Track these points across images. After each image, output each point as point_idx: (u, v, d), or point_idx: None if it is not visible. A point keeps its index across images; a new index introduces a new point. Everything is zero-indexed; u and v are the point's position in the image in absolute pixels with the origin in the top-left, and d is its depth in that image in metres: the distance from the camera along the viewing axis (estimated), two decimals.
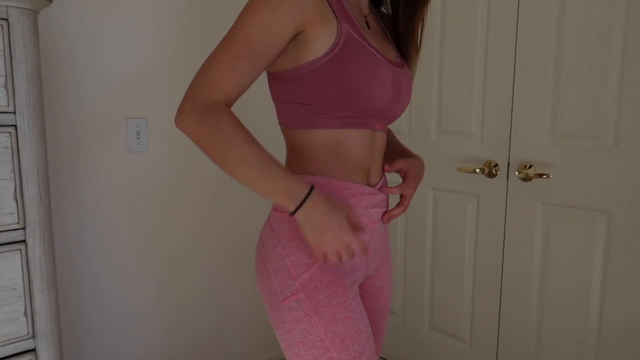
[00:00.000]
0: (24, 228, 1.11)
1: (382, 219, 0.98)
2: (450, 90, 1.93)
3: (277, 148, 1.85)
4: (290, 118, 0.91)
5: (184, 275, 1.92)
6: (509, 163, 1.77)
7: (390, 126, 2.14)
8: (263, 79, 1.03)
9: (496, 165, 1.80)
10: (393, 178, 2.08)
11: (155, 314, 1.85)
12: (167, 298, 1.88)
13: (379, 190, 0.98)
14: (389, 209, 1.04)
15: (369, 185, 0.97)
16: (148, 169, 1.78)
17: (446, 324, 2.04)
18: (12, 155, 1.07)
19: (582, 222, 1.62)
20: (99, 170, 1.66)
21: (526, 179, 1.71)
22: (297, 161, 0.93)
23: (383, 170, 1.02)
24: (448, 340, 2.04)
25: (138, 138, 1.75)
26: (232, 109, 1.14)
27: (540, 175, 1.65)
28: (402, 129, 2.12)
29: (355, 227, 0.84)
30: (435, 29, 1.96)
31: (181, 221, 1.89)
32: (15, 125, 1.07)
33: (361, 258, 0.94)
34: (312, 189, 0.81)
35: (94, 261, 1.68)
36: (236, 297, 2.11)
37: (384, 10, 1.10)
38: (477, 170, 1.81)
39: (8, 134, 1.06)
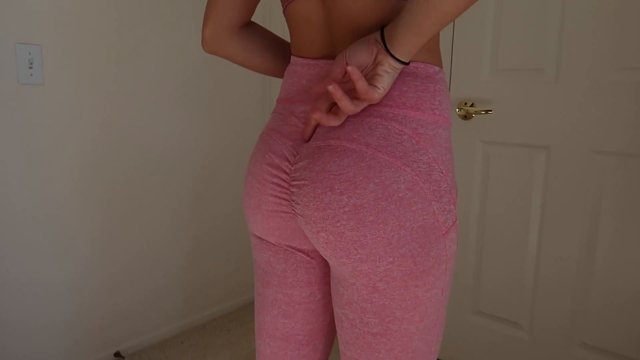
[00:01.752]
0: None
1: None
2: None
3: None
4: None
5: (74, 227, 1.70)
6: None
7: None
8: None
9: None
10: None
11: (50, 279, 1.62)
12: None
13: None
14: None
15: None
16: (43, 104, 1.52)
17: None
18: None
19: (521, 159, 1.56)
20: None
21: (466, 116, 1.63)
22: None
23: None
24: None
25: (31, 68, 1.49)
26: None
27: (479, 112, 1.57)
28: None
29: None
30: None
31: (80, 164, 1.65)
32: None
33: None
34: None
35: None
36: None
37: None
38: None
39: None
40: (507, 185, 1.60)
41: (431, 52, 0.67)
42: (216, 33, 0.80)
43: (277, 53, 0.86)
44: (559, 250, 1.52)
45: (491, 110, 1.56)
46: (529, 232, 1.58)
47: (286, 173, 0.67)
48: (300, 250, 0.76)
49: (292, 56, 0.75)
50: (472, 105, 1.62)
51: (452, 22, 1.64)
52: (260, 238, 0.78)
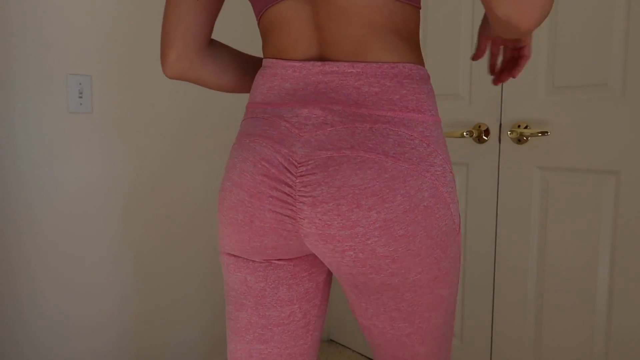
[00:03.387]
0: None
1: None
2: (434, 49, 1.70)
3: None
4: None
5: (112, 265, 1.71)
6: (500, 124, 1.53)
7: None
8: None
9: (486, 128, 1.56)
10: None
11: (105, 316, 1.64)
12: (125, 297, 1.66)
13: None
14: None
15: None
16: (93, 132, 1.59)
17: None
18: None
19: (586, 187, 1.37)
20: (37, 131, 1.47)
21: (520, 140, 1.47)
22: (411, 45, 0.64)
23: None
24: None
25: (80, 97, 1.56)
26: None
27: (537, 134, 1.41)
28: None
29: None
30: None
31: (124, 193, 1.68)
32: None
33: None
34: None
35: (28, 249, 1.48)
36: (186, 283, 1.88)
37: None
38: (465, 134, 1.57)
39: None
40: (571, 218, 1.40)
41: (418, 52, 0.64)
42: (184, 54, 0.72)
43: (247, 67, 0.81)
44: (635, 297, 1.29)
45: (548, 132, 1.40)
46: (598, 276, 1.35)
47: (289, 186, 0.60)
48: (288, 260, 0.69)
49: (267, 59, 0.68)
50: (526, 127, 1.46)
51: None
52: (236, 256, 0.70)
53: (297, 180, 0.59)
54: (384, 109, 0.59)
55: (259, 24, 0.70)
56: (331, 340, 2.23)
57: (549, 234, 1.44)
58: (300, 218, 0.60)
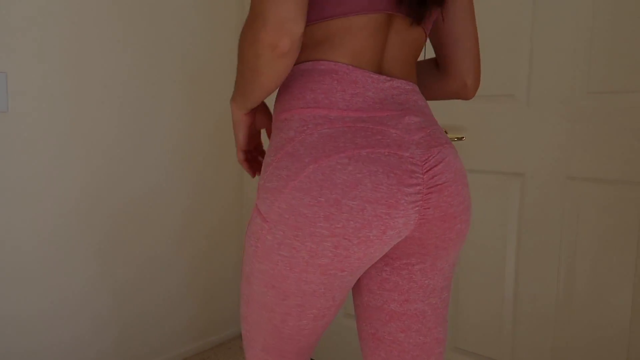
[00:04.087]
0: None
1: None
2: None
3: None
4: None
5: (62, 260, 1.64)
6: None
7: None
8: None
9: None
10: None
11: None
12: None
13: None
14: None
15: None
16: (9, 132, 1.50)
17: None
18: None
19: (496, 187, 1.51)
20: None
21: None
22: None
23: None
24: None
25: None
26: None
27: (454, 139, 1.53)
28: None
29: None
30: None
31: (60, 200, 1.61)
32: None
33: None
34: None
35: None
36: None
37: None
38: None
39: None
40: (482, 214, 1.54)
41: None
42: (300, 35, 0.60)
43: None
44: (537, 283, 1.45)
45: (464, 137, 1.52)
46: (506, 265, 1.51)
47: (419, 185, 0.66)
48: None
49: (339, 63, 0.66)
50: (446, 132, 1.58)
51: (425, 47, 1.63)
52: (349, 275, 0.69)
53: (425, 176, 0.66)
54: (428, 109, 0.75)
55: (329, 18, 0.66)
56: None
57: None
58: (426, 208, 0.67)
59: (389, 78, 0.69)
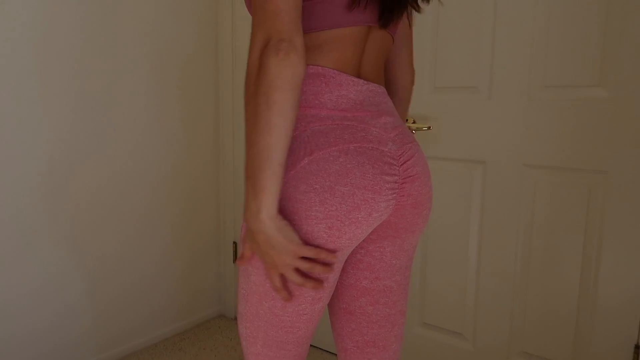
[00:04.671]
0: None
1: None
2: None
3: None
4: None
5: (32, 241, 1.67)
6: None
7: None
8: None
9: None
10: None
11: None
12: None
13: None
14: None
15: None
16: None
17: None
18: None
19: (460, 173, 1.61)
20: None
21: None
22: None
23: None
24: None
25: None
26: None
27: (420, 129, 1.62)
28: None
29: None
30: None
31: (43, 171, 1.63)
32: None
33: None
34: None
35: None
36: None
37: None
38: None
39: None
40: (447, 199, 1.65)
41: None
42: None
43: None
44: (497, 261, 1.57)
45: (430, 127, 1.62)
46: (469, 245, 1.62)
47: (396, 175, 0.76)
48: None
49: (328, 69, 0.74)
50: (413, 122, 1.67)
51: None
52: (337, 252, 0.75)
53: (401, 168, 0.77)
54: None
55: (318, 30, 0.74)
56: (221, 315, 2.35)
57: (433, 211, 1.69)
58: (401, 196, 0.78)
59: (366, 82, 0.77)
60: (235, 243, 2.30)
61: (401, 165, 0.77)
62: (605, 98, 1.34)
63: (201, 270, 2.27)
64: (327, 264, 0.74)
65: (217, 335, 2.17)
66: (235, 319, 2.34)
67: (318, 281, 0.73)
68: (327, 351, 2.03)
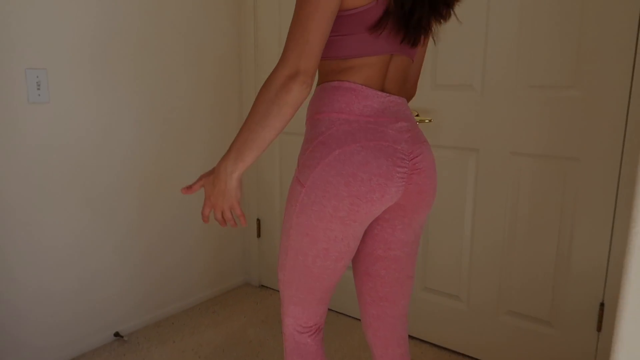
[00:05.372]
0: None
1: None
2: None
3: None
4: None
5: (99, 230, 1.96)
6: None
7: None
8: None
9: None
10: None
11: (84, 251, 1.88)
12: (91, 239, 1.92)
13: None
14: None
15: None
16: (51, 120, 1.78)
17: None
18: None
19: (457, 160, 1.87)
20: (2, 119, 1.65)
21: None
22: None
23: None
24: (349, 274, 2.27)
25: (38, 89, 1.74)
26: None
27: (423, 121, 1.88)
28: None
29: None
30: None
31: (77, 168, 1.91)
32: None
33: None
34: None
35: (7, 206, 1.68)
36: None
37: None
38: None
39: None
40: (446, 181, 1.91)
41: None
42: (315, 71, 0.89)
43: None
44: (487, 234, 1.84)
45: (431, 120, 1.87)
46: (464, 220, 1.89)
47: (406, 167, 0.99)
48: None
49: (356, 84, 0.97)
50: (417, 115, 1.92)
51: None
52: (357, 224, 0.99)
53: (410, 163, 1.00)
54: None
55: (350, 58, 0.97)
56: (262, 285, 2.65)
57: None
58: (409, 184, 1.02)
59: (388, 95, 1.00)
60: (258, 220, 2.58)
61: (411, 160, 1.00)
62: (578, 97, 1.59)
63: (229, 245, 2.56)
64: (233, 224, 1.03)
65: (244, 300, 2.47)
66: (259, 286, 2.64)
67: (230, 223, 1.02)
68: (351, 317, 2.32)
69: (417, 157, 1.02)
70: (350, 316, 2.32)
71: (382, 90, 1.02)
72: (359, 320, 2.27)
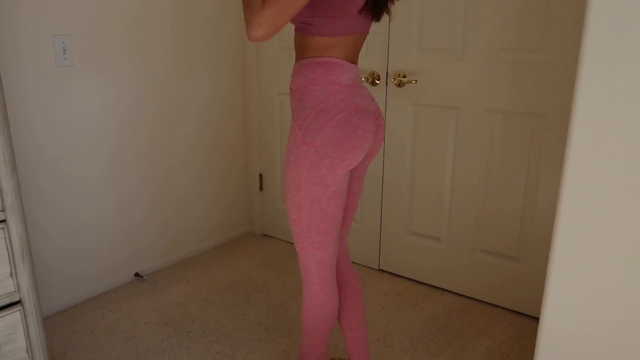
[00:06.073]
0: None
1: None
2: None
3: None
4: None
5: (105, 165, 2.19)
6: (387, 73, 2.19)
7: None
8: None
9: (378, 75, 2.21)
10: None
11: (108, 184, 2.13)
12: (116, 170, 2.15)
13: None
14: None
15: None
16: (75, 81, 1.98)
17: None
18: None
19: (440, 116, 2.10)
20: (31, 82, 1.85)
21: (400, 85, 2.14)
22: None
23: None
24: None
25: (64, 54, 1.93)
26: None
27: (410, 82, 2.09)
28: None
29: None
30: None
31: (102, 125, 2.13)
32: None
33: None
34: None
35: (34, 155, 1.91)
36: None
37: None
38: (363, 79, 2.21)
39: None
40: (431, 134, 2.14)
41: None
42: (270, 35, 1.05)
43: None
44: (465, 181, 2.09)
45: (417, 80, 2.08)
46: (446, 169, 2.13)
47: (377, 126, 1.28)
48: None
49: (339, 59, 1.20)
50: (404, 76, 2.13)
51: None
52: (348, 169, 1.23)
53: (378, 122, 1.28)
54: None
55: (337, 36, 1.18)
56: (265, 234, 2.91)
57: (417, 144, 2.18)
58: (376, 135, 1.28)
59: (355, 66, 1.25)
60: (260, 175, 2.82)
61: (376, 119, 1.27)
62: (545, 59, 1.80)
63: (234, 198, 2.81)
64: None
65: (249, 246, 2.74)
66: (262, 235, 2.90)
67: None
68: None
69: (379, 116, 1.29)
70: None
71: (352, 62, 1.26)
72: (367, 267, 2.54)
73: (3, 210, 1.41)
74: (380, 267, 2.44)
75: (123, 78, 2.14)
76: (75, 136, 2.02)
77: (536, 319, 2.02)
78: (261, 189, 2.85)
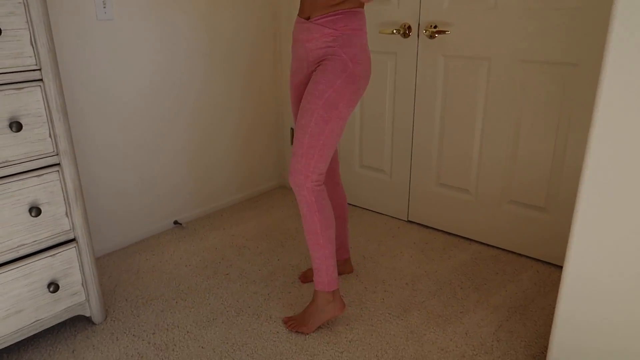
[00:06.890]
0: (39, 69, 1.43)
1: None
2: None
3: None
4: None
5: (146, 116, 2.29)
6: (419, 24, 2.19)
7: None
8: None
9: (409, 27, 2.21)
10: None
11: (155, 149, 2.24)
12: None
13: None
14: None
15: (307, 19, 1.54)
16: (116, 35, 2.06)
17: (373, 162, 2.57)
18: (25, 10, 1.36)
19: (471, 67, 2.10)
20: (76, 35, 1.93)
21: (431, 36, 2.14)
22: None
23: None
24: (373, 174, 2.58)
25: (104, 7, 2.00)
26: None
27: (442, 32, 2.09)
28: None
29: None
30: None
31: (140, 76, 2.21)
32: None
33: None
34: None
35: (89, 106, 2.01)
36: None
37: None
38: (394, 31, 2.21)
39: None
40: (462, 86, 2.15)
41: None
42: None
43: None
44: (495, 132, 2.10)
45: (449, 31, 2.07)
46: (476, 121, 2.15)
47: None
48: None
49: (363, 10, 1.51)
50: (435, 27, 2.13)
51: None
52: None
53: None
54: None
55: None
56: (282, 186, 3.00)
57: (449, 95, 2.20)
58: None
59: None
60: (292, 129, 2.88)
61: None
62: (579, 7, 1.78)
63: (266, 153, 2.89)
64: None
65: (280, 198, 2.84)
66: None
67: None
68: (374, 211, 2.67)
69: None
70: (373, 211, 2.66)
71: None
72: (380, 213, 2.61)
73: (57, 154, 1.52)
74: (409, 219, 2.51)
75: (166, 35, 2.20)
76: (114, 95, 2.11)
77: (562, 268, 2.06)
78: (292, 143, 2.92)
